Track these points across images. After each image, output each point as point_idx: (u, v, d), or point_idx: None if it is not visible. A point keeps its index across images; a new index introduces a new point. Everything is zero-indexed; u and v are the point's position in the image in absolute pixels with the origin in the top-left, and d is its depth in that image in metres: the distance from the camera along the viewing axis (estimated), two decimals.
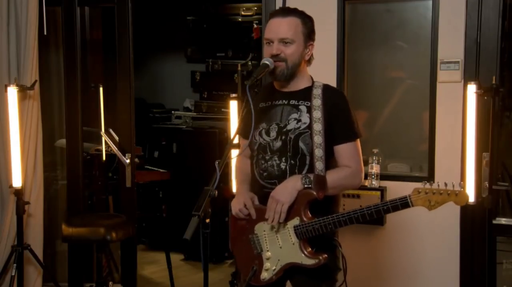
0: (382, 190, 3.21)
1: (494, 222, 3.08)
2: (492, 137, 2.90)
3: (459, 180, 3.08)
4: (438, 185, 2.05)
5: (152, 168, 5.03)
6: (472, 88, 2.92)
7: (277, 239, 2.27)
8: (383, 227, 3.28)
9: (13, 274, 3.61)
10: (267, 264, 2.28)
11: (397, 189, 3.26)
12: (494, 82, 2.91)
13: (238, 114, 3.51)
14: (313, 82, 2.41)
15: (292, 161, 2.29)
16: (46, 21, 3.95)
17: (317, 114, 2.29)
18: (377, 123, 3.46)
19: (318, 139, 2.27)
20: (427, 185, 2.07)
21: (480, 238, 3.09)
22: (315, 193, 2.19)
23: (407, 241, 3.28)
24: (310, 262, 2.20)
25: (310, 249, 2.23)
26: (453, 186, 2.03)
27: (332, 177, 2.27)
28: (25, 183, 3.80)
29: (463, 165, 3.03)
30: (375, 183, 3.25)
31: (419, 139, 3.34)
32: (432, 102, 3.19)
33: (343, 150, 2.31)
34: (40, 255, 3.90)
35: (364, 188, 3.23)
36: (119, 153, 3.95)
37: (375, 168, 3.25)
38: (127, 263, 4.12)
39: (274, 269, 2.27)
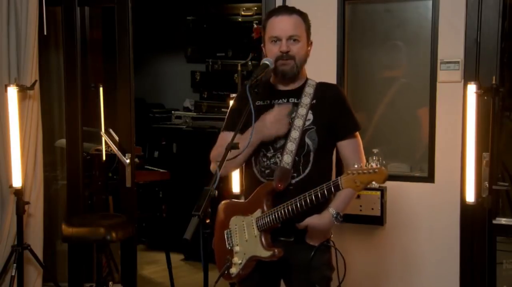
0: (382, 190, 3.21)
1: (494, 222, 3.08)
2: (492, 137, 2.89)
3: (459, 180, 3.09)
4: (368, 165, 2.02)
5: (152, 168, 5.02)
6: (472, 88, 2.91)
7: (245, 233, 2.31)
8: (383, 227, 3.28)
9: (13, 274, 3.61)
10: (235, 259, 2.32)
11: (397, 189, 3.26)
12: (494, 82, 2.90)
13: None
14: (307, 80, 2.42)
15: (296, 158, 2.29)
16: (46, 21, 3.95)
17: (302, 111, 2.31)
18: (377, 123, 3.45)
19: (295, 133, 2.28)
20: (356, 166, 2.05)
21: (480, 238, 3.09)
22: (274, 184, 2.24)
23: (407, 241, 3.27)
24: (266, 254, 2.23)
25: (269, 241, 2.25)
26: (377, 164, 2.01)
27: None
28: (25, 183, 3.80)
29: (463, 165, 3.03)
30: (375, 183, 3.24)
31: (419, 139, 3.34)
32: (432, 102, 3.19)
33: (348, 145, 2.36)
34: (40, 255, 3.90)
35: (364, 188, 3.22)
36: (119, 153, 3.95)
37: None
38: (127, 263, 4.11)
39: (241, 263, 2.31)
